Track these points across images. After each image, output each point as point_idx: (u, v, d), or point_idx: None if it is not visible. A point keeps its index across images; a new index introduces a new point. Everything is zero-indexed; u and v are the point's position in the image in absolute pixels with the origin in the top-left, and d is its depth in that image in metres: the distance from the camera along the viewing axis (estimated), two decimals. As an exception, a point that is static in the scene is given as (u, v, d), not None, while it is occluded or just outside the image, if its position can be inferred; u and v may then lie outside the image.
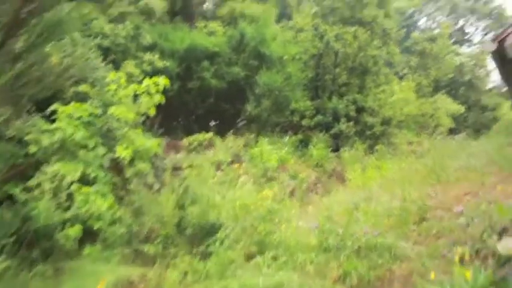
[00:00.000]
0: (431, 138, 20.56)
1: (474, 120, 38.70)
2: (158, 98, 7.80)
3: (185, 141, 10.96)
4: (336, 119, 13.86)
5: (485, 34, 42.94)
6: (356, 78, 15.05)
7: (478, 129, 41.61)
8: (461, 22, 43.64)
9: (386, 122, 14.76)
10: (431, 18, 43.09)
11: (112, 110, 7.18)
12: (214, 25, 17.45)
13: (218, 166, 8.95)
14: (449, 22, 38.93)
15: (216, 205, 6.29)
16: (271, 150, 10.61)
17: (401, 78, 23.44)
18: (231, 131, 12.66)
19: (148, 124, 13.11)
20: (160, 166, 7.82)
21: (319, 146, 12.41)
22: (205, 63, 14.78)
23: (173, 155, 9.92)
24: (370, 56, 14.71)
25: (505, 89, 45.21)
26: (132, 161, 7.17)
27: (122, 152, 6.73)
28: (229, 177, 7.88)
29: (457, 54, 35.04)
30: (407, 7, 39.54)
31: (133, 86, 7.77)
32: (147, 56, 11.79)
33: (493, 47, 14.30)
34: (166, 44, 14.73)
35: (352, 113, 14.08)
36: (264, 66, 14.37)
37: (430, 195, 7.40)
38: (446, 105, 24.38)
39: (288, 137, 12.92)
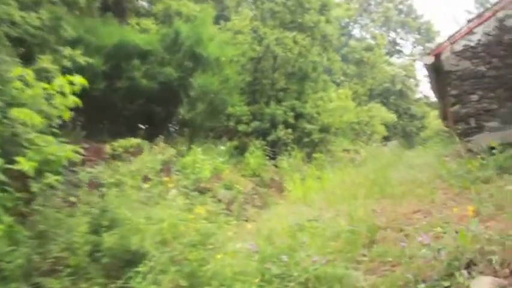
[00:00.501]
0: (367, 145, 20.79)
1: (404, 128, 40.03)
2: (73, 100, 6.56)
3: (109, 148, 9.72)
4: (274, 125, 13.31)
5: (414, 47, 44.78)
6: (295, 83, 14.60)
7: (408, 137, 43.32)
8: (392, 34, 45.13)
9: (325, 130, 14.42)
10: (366, 29, 44.17)
11: (14, 112, 5.97)
12: (147, 22, 16.36)
13: (145, 178, 7.90)
14: (382, 34, 40.13)
15: (140, 228, 5.22)
16: (204, 160, 9.72)
17: (338, 85, 23.49)
18: (162, 136, 11.69)
19: (70, 127, 11.84)
20: (75, 179, 6.72)
21: (256, 154, 11.75)
22: (136, 62, 13.67)
23: (93, 165, 8.68)
24: (310, 61, 14.36)
25: (433, 99, 47.39)
26: (40, 173, 6.05)
27: (25, 164, 5.54)
28: (157, 192, 6.94)
29: (390, 64, 36.02)
30: (343, 17, 40.25)
31: (41, 85, 6.51)
32: (68, 51, 10.52)
33: (431, 60, 14.43)
34: (93, 39, 13.48)
35: (291, 120, 13.59)
36: (200, 68, 13.50)
37: (376, 212, 6.96)
38: (381, 114, 24.85)
39: (223, 145, 12.16)
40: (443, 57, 14.08)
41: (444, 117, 22.80)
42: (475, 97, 13.83)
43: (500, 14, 13.71)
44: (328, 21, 17.40)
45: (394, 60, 40.48)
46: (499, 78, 13.61)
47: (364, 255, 5.33)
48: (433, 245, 4.40)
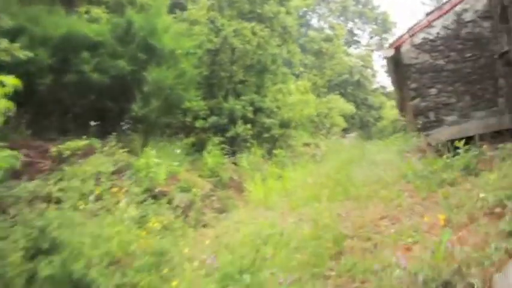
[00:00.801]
0: (327, 138, 20.70)
1: (362, 119, 40.42)
2: (3, 104, 5.69)
3: (55, 151, 8.84)
4: (232, 120, 12.81)
5: (371, 37, 45.21)
6: (253, 77, 14.13)
7: (365, 127, 43.80)
8: (350, 25, 45.37)
9: (285, 124, 14.06)
10: (323, 18, 44.14)
11: None
12: (98, 11, 15.36)
13: (95, 184, 7.15)
14: (340, 24, 40.21)
15: (84, 252, 4.51)
16: (159, 162, 9.05)
17: (297, 76, 23.20)
18: (115, 133, 10.92)
19: (13, 124, 10.87)
20: (10, 194, 5.92)
21: (214, 153, 11.20)
22: (85, 55, 12.69)
23: (35, 171, 7.86)
24: (270, 54, 13.92)
25: (389, 89, 48.07)
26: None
27: None
28: (107, 203, 6.28)
29: (348, 54, 36.12)
30: (301, 6, 39.99)
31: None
32: (5, 44, 9.52)
33: (391, 53, 14.31)
34: (37, 29, 12.45)
35: (250, 115, 13.12)
36: (154, 61, 12.72)
37: (341, 216, 6.65)
38: (340, 105, 24.77)
39: (179, 142, 11.52)
40: (403, 50, 13.98)
41: (402, 109, 23.07)
42: (434, 91, 13.82)
43: (458, 8, 13.71)
44: (288, 12, 16.99)
45: (352, 51, 40.71)
46: (457, 72, 13.64)
47: (332, 270, 4.99)
48: (406, 262, 4.07)
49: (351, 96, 41.22)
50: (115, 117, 12.75)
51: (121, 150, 9.12)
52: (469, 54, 13.47)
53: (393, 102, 42.96)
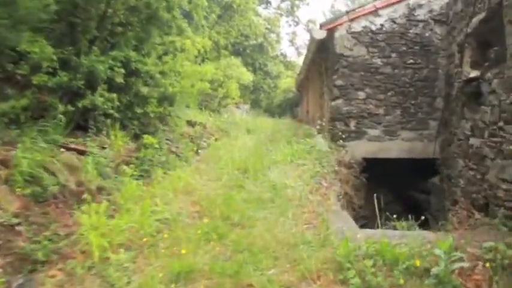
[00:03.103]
0: (218, 114, 17.23)
1: (256, 85, 37.50)
2: None
3: None
4: (92, 84, 8.67)
5: (282, 1, 41.73)
6: (137, 26, 9.91)
7: (258, 94, 41.12)
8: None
9: (167, 99, 10.20)
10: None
11: None
12: None
13: None
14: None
15: None
16: None
17: (196, 30, 19.03)
18: None
19: None
20: None
21: (35, 146, 6.80)
22: None
23: None
24: (164, -2, 9.77)
25: (291, 58, 45.78)
26: None
27: None
28: None
29: (257, 14, 32.43)
30: None
31: None
32: None
33: (321, 35, 11.08)
34: None
35: (119, 79, 9.03)
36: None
37: None
38: (239, 72, 21.14)
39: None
40: (337, 35, 10.89)
41: (308, 109, 20.20)
42: (362, 95, 11.05)
43: (412, 0, 10.89)
44: None
45: (260, 11, 37.12)
46: (394, 78, 10.98)
47: None
48: None
49: (250, 58, 38.00)
50: None
51: None
52: (411, 61, 10.88)
53: (291, 74, 40.91)
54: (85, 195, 6.24)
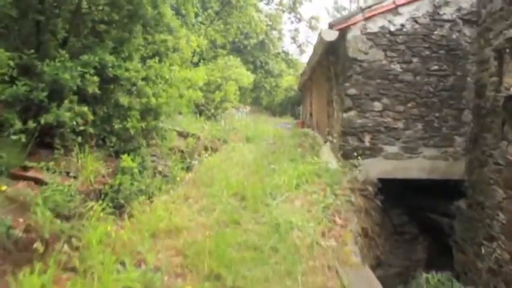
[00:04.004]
0: (214, 122, 15.70)
1: (256, 84, 35.90)
2: None
3: None
4: (58, 95, 7.17)
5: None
6: (117, 24, 8.36)
7: (259, 92, 39.54)
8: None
9: (152, 111, 8.68)
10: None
11: None
12: None
13: None
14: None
15: None
16: None
17: (192, 27, 17.49)
18: None
19: None
20: None
21: None
22: None
23: None
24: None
25: (293, 56, 44.18)
26: None
27: None
28: None
29: (258, 10, 30.80)
30: None
31: None
32: None
33: (333, 36, 9.57)
34: None
35: (93, 89, 7.49)
36: None
37: None
38: (238, 74, 19.51)
39: None
40: (350, 36, 9.39)
41: (311, 112, 18.51)
42: (378, 106, 9.55)
43: (438, -2, 9.37)
44: None
45: (262, 7, 35.47)
46: (415, 87, 9.48)
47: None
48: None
49: (250, 56, 36.44)
50: None
51: None
52: (435, 67, 9.37)
53: (293, 73, 39.35)
54: (36, 245, 4.83)
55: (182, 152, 10.36)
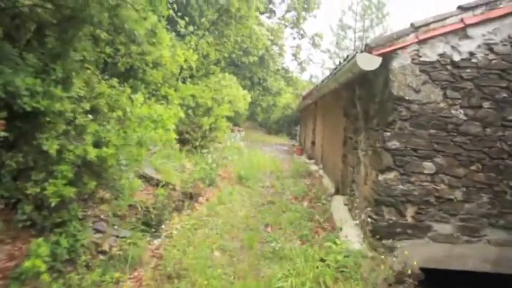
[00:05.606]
0: (199, 158, 12.56)
1: (254, 101, 33.04)
2: None
3: None
4: None
5: (288, 11, 37.20)
6: (51, 29, 5.46)
7: (255, 110, 36.76)
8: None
9: (91, 167, 5.60)
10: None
11: None
12: None
13: None
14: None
15: None
16: None
17: (182, 37, 14.55)
18: None
19: None
20: None
21: None
22: None
23: None
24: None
25: (293, 73, 41.41)
26: None
27: None
28: None
29: (259, 23, 27.98)
30: None
31: None
32: None
33: (374, 63, 6.63)
34: None
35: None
36: None
37: None
38: (234, 96, 16.51)
39: None
40: (395, 64, 6.51)
41: (314, 142, 15.13)
42: (430, 167, 6.62)
43: (525, 15, 6.51)
44: None
45: (264, 20, 32.70)
46: (483, 142, 6.59)
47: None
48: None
49: (248, 72, 33.63)
50: None
51: None
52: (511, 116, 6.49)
53: (292, 91, 36.60)
54: None
55: (148, 210, 7.34)
